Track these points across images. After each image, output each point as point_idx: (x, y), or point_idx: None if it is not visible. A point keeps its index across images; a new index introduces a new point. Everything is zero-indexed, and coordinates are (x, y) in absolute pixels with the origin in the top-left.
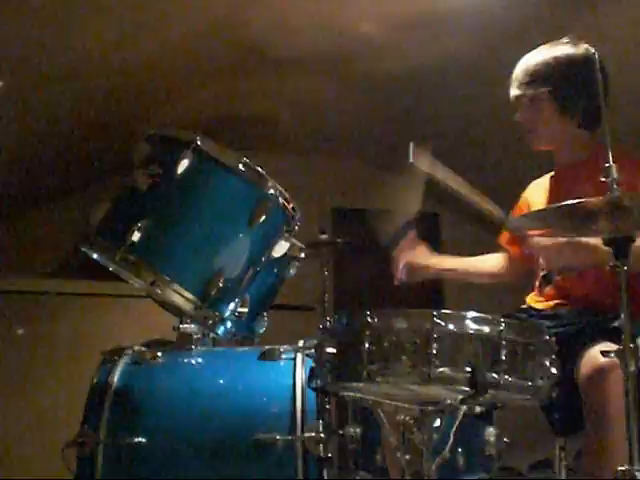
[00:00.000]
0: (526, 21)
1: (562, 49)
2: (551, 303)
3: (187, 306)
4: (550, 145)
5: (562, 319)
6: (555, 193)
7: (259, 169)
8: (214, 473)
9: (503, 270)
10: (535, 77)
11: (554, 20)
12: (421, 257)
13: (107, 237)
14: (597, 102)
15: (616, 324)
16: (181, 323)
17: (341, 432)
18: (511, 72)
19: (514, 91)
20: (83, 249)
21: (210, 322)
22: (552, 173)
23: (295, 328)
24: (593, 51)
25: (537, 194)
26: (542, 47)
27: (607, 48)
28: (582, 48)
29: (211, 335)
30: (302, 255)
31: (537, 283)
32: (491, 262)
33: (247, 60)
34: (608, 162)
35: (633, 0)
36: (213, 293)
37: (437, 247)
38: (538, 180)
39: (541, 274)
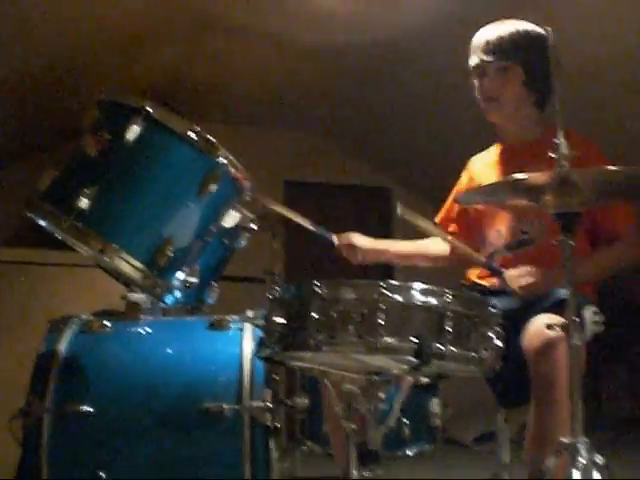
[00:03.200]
0: None
1: (526, 25)
2: (495, 279)
3: (135, 275)
4: (505, 119)
5: (507, 294)
6: (506, 170)
7: (210, 138)
8: (161, 442)
9: (446, 254)
10: (508, 47)
11: None
12: (360, 240)
13: (54, 203)
14: (551, 81)
15: (561, 297)
16: (129, 292)
17: (289, 402)
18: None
19: (480, 56)
20: (29, 214)
21: (159, 291)
22: (496, 149)
23: (245, 300)
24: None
25: (484, 169)
26: (503, 20)
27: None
28: (539, 27)
29: (160, 305)
30: (253, 226)
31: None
32: (435, 246)
33: (201, 26)
34: (558, 139)
35: None
36: (162, 262)
37: (389, 222)
38: (481, 155)
39: (490, 251)
